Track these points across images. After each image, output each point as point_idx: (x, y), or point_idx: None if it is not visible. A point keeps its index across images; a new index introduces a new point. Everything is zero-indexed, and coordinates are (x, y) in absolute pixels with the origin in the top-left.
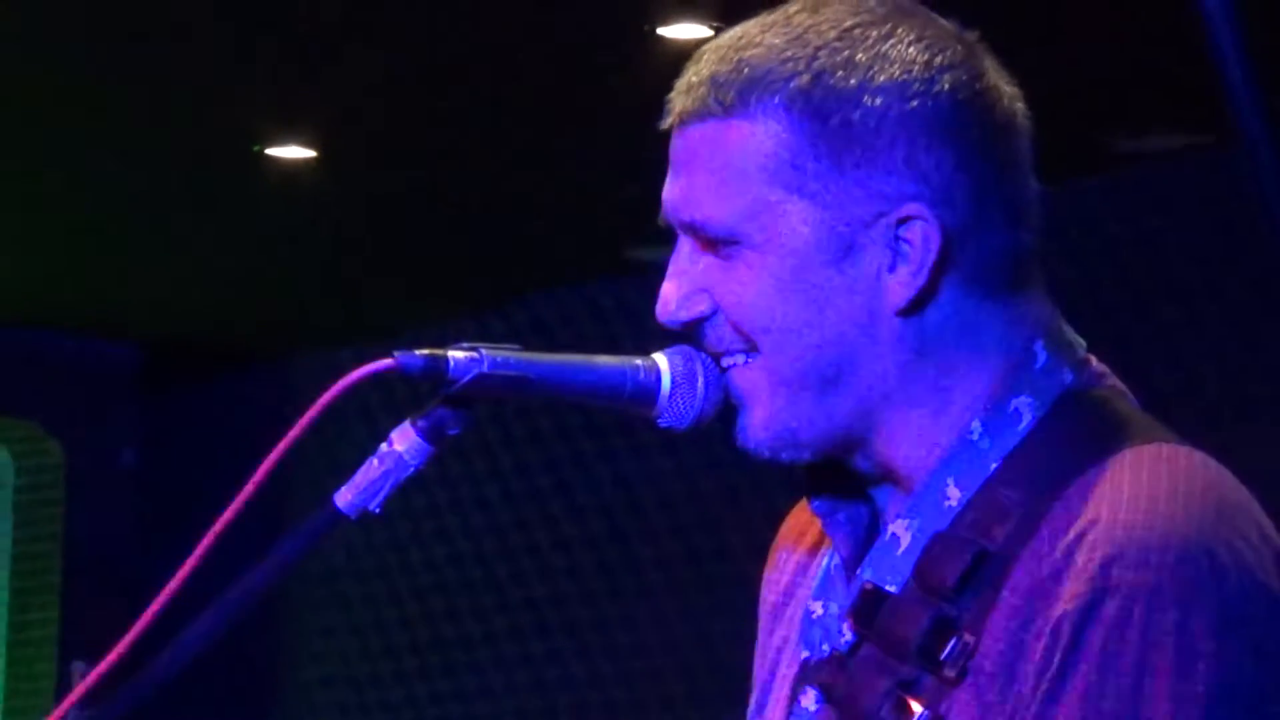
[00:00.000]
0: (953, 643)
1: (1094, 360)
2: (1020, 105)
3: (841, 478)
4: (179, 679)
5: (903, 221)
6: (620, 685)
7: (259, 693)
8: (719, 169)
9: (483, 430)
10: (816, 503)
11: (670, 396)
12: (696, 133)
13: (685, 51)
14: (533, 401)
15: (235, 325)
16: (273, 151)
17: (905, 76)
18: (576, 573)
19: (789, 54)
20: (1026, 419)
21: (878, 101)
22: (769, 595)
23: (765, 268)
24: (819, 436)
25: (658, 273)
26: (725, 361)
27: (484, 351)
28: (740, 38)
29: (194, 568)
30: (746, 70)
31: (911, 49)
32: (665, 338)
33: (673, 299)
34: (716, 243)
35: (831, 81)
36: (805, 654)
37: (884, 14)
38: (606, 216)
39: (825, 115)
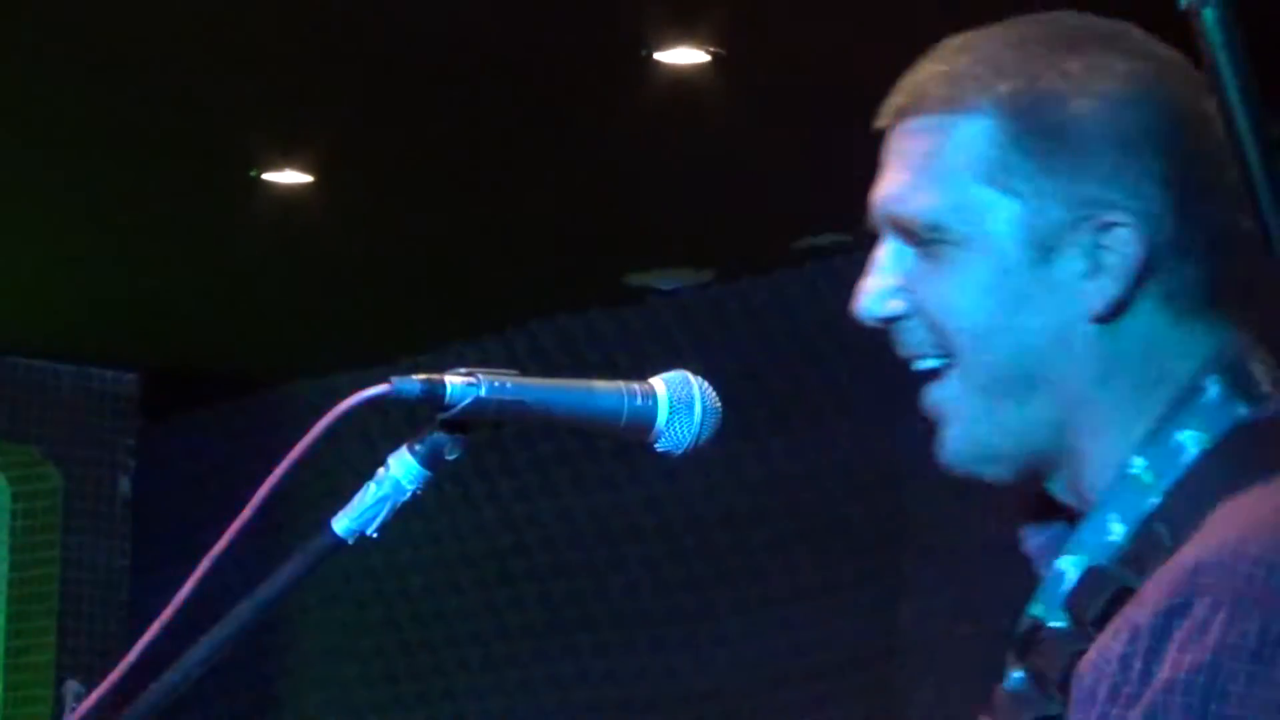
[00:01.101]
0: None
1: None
2: (1212, 107)
3: (1055, 510)
4: (177, 704)
5: (1105, 228)
6: (619, 711)
7: (258, 718)
8: (930, 164)
9: (481, 455)
10: (1032, 537)
11: (668, 422)
12: (910, 129)
13: (683, 77)
14: (530, 426)
15: (234, 352)
16: (270, 177)
17: (1118, 89)
18: (576, 599)
19: (1006, 58)
20: (1191, 452)
21: (1089, 110)
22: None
23: (967, 265)
24: (1017, 451)
25: (657, 299)
26: (917, 365)
27: (481, 376)
28: (961, 42)
29: (191, 592)
30: (963, 70)
31: (1124, 64)
32: (665, 365)
33: (871, 295)
34: (921, 239)
35: (1045, 87)
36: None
37: (1100, 30)
38: (606, 243)
39: (1036, 118)
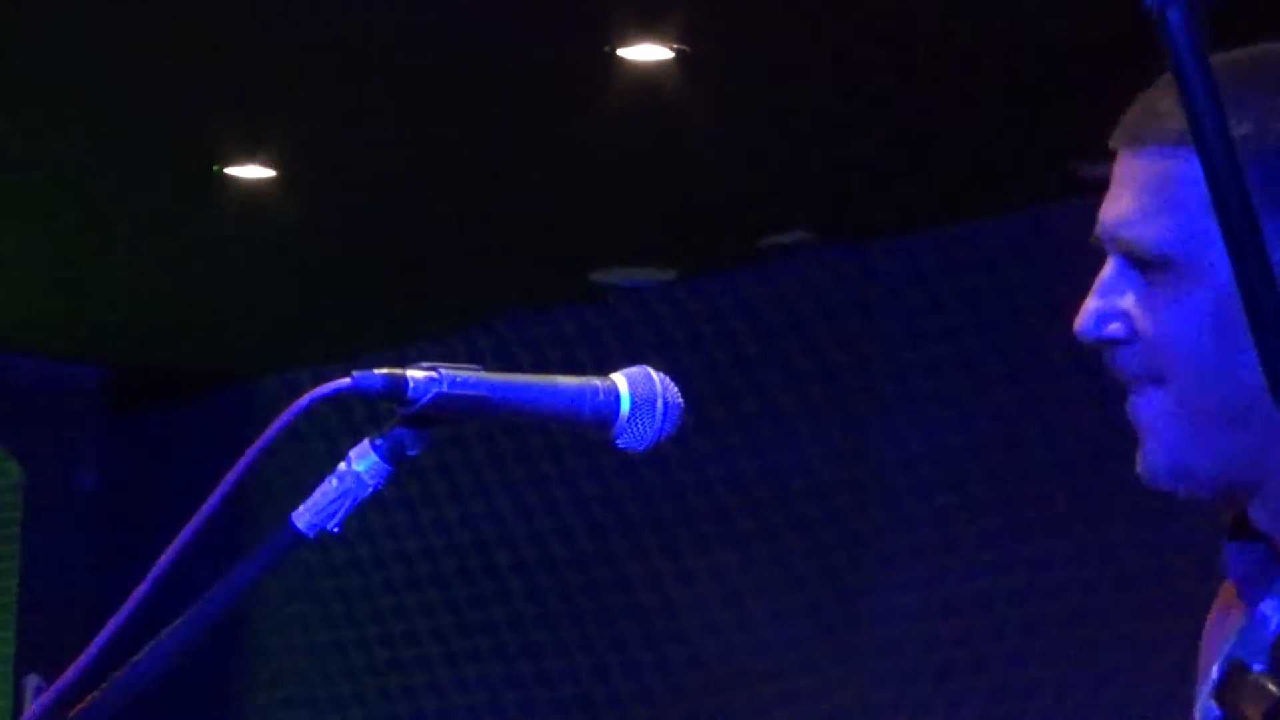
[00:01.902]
0: None
1: None
2: None
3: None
4: (138, 699)
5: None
6: (579, 709)
7: (219, 714)
8: (1163, 194)
9: (442, 451)
10: (1235, 559)
11: (630, 418)
12: (1147, 157)
13: (646, 73)
14: (493, 422)
15: (198, 347)
16: (233, 171)
17: None
18: (536, 596)
19: (1246, 97)
20: None
21: None
22: (1208, 654)
23: (1191, 297)
24: (1217, 474)
25: (621, 297)
26: (1131, 390)
27: (443, 371)
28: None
29: (152, 587)
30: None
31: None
32: (628, 363)
33: (1093, 316)
34: (1147, 267)
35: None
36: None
37: None
38: (570, 241)
39: (1272, 160)
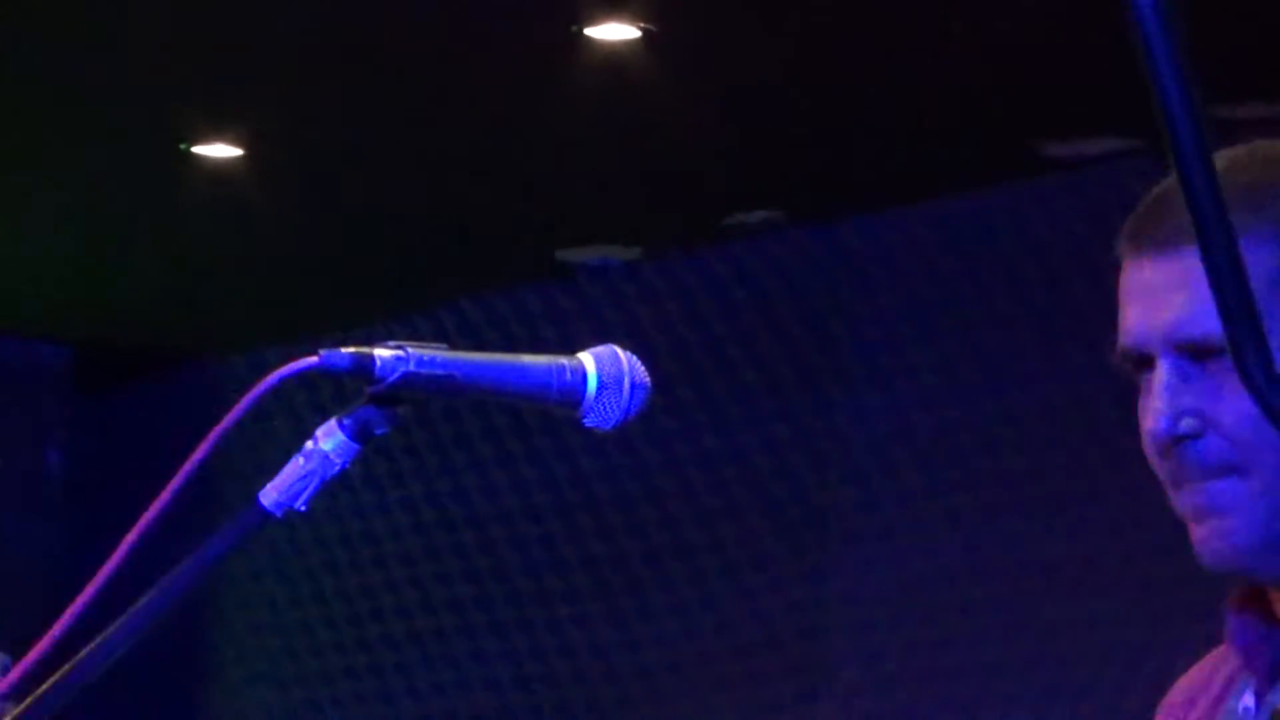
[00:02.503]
0: None
1: None
2: None
3: (1258, 606)
4: (105, 676)
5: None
6: (545, 686)
7: (185, 692)
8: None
9: (409, 430)
10: (1239, 629)
11: (596, 397)
12: (1179, 255)
13: (612, 52)
14: (459, 401)
15: (165, 326)
16: (200, 150)
17: None
18: (501, 574)
19: (1272, 182)
20: None
21: None
22: None
23: None
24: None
25: (586, 276)
26: (1206, 480)
27: (410, 350)
28: (1226, 169)
29: (119, 564)
30: (1244, 195)
31: None
32: (594, 341)
33: (1167, 416)
34: (1209, 357)
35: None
36: None
37: None
38: (536, 219)
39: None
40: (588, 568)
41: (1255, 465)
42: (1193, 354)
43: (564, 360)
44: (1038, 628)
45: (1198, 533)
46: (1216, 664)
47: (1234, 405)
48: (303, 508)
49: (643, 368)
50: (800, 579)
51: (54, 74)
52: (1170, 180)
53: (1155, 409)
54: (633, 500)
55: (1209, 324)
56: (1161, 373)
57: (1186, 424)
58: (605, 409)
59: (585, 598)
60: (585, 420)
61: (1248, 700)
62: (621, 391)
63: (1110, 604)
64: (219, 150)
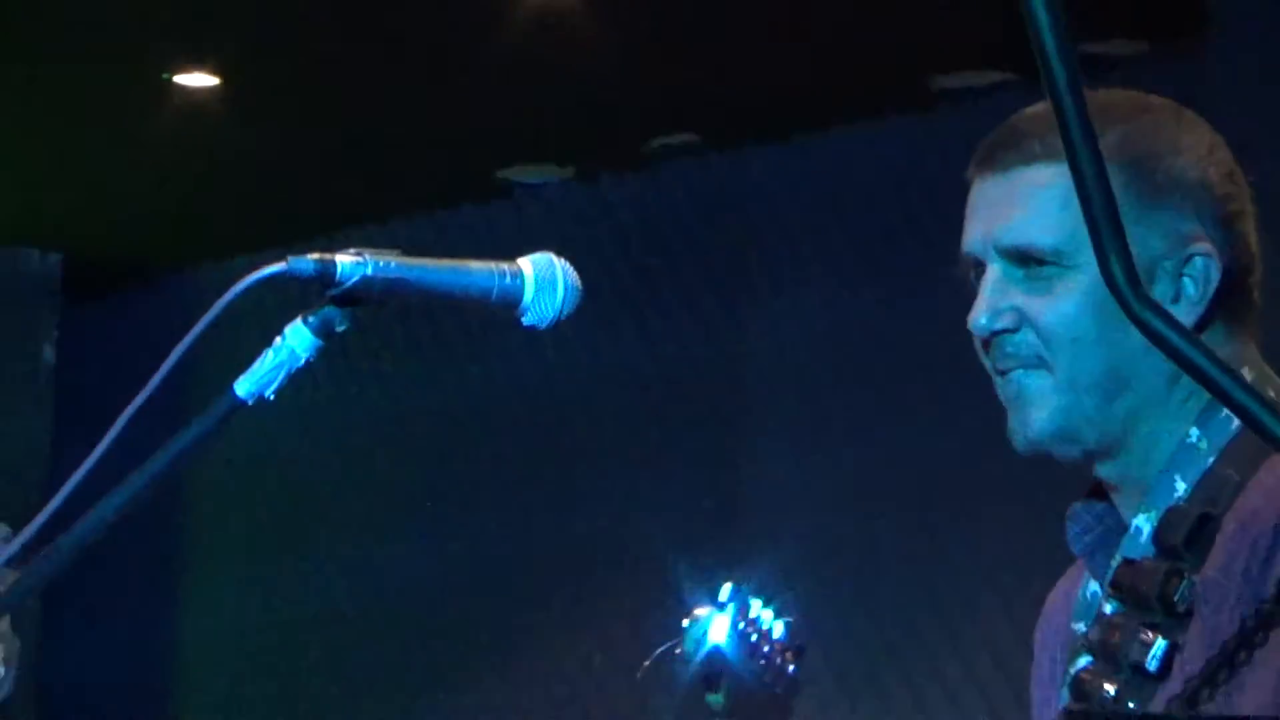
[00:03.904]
0: (1182, 586)
1: None
2: (1246, 188)
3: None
4: (88, 550)
5: (1188, 260)
6: (487, 566)
7: (162, 571)
8: (1048, 202)
9: (366, 332)
10: (1078, 528)
11: (534, 298)
12: (1024, 175)
13: None
14: (411, 302)
15: (147, 238)
16: (180, 79)
17: (1197, 147)
18: (448, 463)
19: (1107, 114)
20: (1236, 423)
21: (1179, 162)
22: (1043, 654)
23: (1077, 287)
24: (1093, 437)
25: (523, 194)
26: (1015, 371)
27: (368, 256)
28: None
29: (106, 449)
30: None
31: (1197, 131)
32: (532, 251)
33: (986, 312)
34: (1031, 264)
35: (1143, 140)
36: (1075, 641)
37: (1171, 105)
38: (479, 142)
39: (1137, 164)
40: (525, 458)
41: (1058, 363)
42: (1018, 260)
43: (505, 265)
44: (951, 525)
45: (1010, 421)
46: (1074, 575)
47: (1049, 307)
48: (271, 396)
49: (574, 273)
50: (717, 470)
51: (46, 8)
52: (1016, 114)
53: (979, 305)
54: (564, 397)
55: (1033, 235)
56: (990, 275)
57: (1005, 319)
58: (541, 308)
59: (524, 484)
60: (524, 319)
61: (1094, 587)
62: (556, 293)
63: (1016, 505)
64: (197, 80)
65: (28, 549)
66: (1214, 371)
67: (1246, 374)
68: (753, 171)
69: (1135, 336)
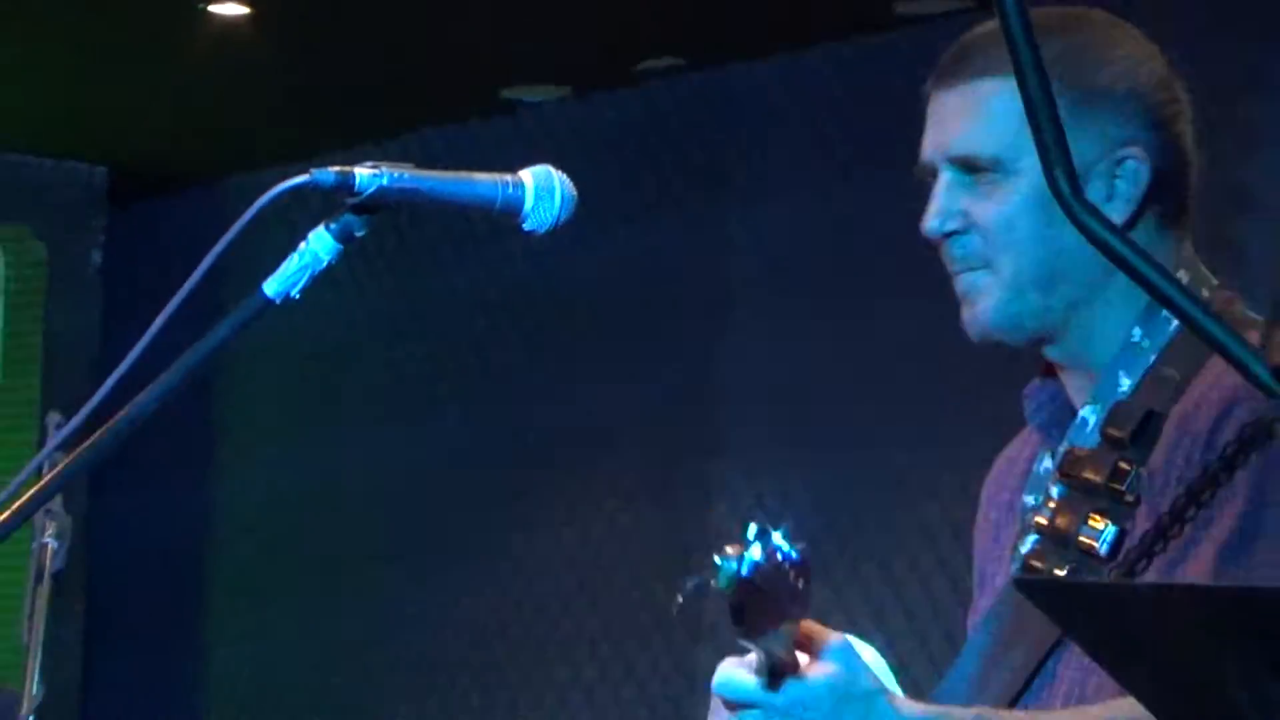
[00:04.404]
0: (1130, 476)
1: (1222, 287)
2: (1183, 96)
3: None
4: (135, 432)
5: (1120, 162)
6: (482, 448)
7: (196, 455)
8: (992, 113)
9: (382, 235)
10: (1035, 403)
11: (534, 205)
12: (969, 87)
13: None
14: (422, 209)
15: (185, 152)
16: (213, 9)
17: (1130, 58)
18: (456, 353)
19: (1045, 28)
20: (1176, 322)
21: (1111, 70)
22: (992, 510)
23: (1016, 191)
24: (1034, 326)
25: (525, 111)
26: (965, 270)
27: (384, 168)
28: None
29: (148, 343)
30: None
31: (1130, 42)
32: (532, 163)
33: (936, 217)
34: (977, 171)
35: (1077, 50)
36: (1025, 515)
37: (1106, 17)
38: (485, 62)
39: (1071, 74)
40: (526, 347)
41: (1000, 261)
42: (966, 168)
43: (507, 177)
44: (916, 409)
45: (963, 314)
46: (1026, 439)
47: (993, 210)
48: (296, 295)
49: (570, 183)
50: (699, 358)
51: None
52: (968, 33)
53: (930, 210)
54: (562, 294)
55: (980, 144)
56: (940, 181)
57: (952, 222)
58: (540, 215)
59: (525, 369)
60: (525, 225)
61: (1047, 463)
62: (553, 201)
63: (972, 397)
64: (229, 9)
65: (78, 434)
66: (1148, 271)
67: (1182, 275)
68: (732, 89)
69: (1071, 234)
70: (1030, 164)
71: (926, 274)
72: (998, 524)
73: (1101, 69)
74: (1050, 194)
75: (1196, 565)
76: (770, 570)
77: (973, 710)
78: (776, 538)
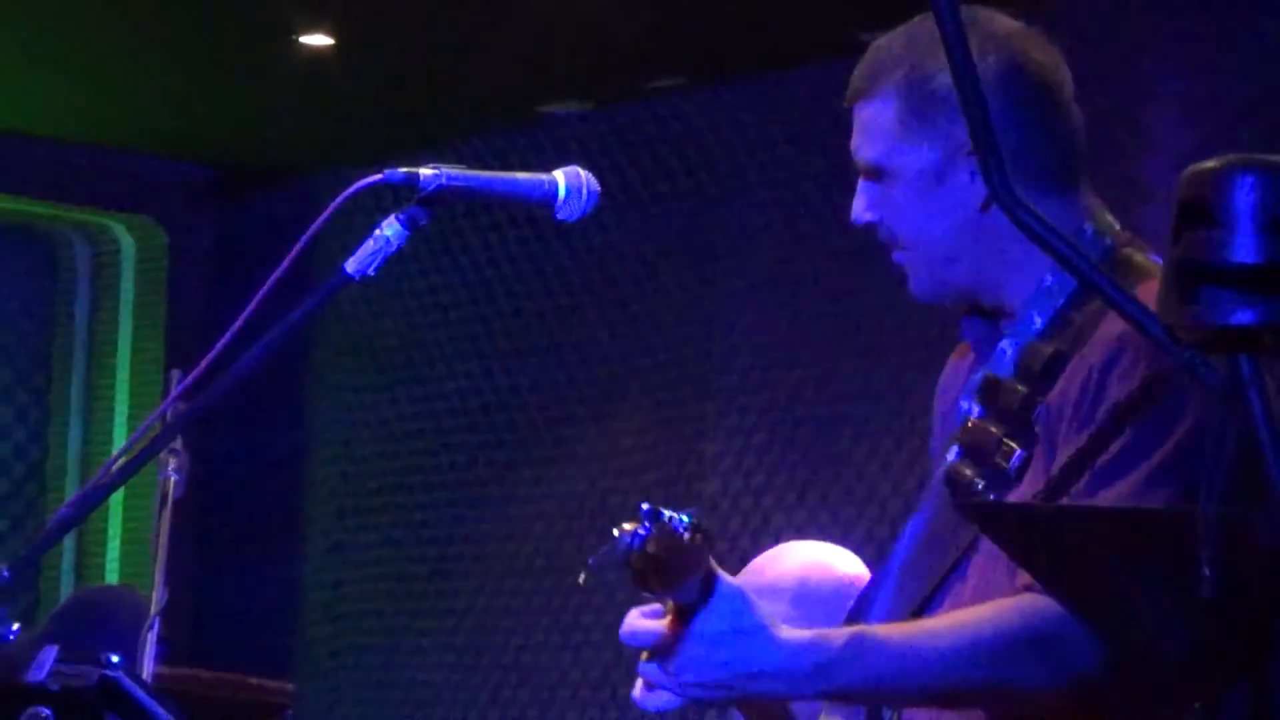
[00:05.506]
0: (1038, 409)
1: (1124, 231)
2: (1054, 65)
3: (981, 312)
4: (237, 387)
5: (972, 153)
6: (518, 394)
7: (290, 402)
8: (871, 130)
9: (443, 223)
10: (968, 328)
11: (565, 201)
12: (860, 107)
13: None
14: (475, 203)
15: (281, 153)
16: (303, 39)
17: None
18: (498, 312)
19: (899, 54)
20: None
21: (949, 77)
22: (940, 407)
23: (900, 191)
24: (951, 293)
25: (555, 122)
26: (893, 252)
27: (443, 169)
28: (881, 43)
29: (251, 312)
30: (877, 67)
31: (981, 44)
32: (563, 165)
33: (857, 211)
34: (873, 176)
35: (924, 70)
36: (959, 420)
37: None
38: (522, 81)
39: (920, 92)
40: (556, 314)
41: (907, 244)
42: (869, 173)
43: (543, 176)
44: (873, 363)
45: (907, 285)
46: (965, 354)
47: (889, 207)
48: (372, 273)
49: (596, 181)
50: (695, 319)
51: None
52: (865, 54)
53: (854, 207)
54: (585, 269)
55: (866, 154)
56: (859, 184)
57: (867, 215)
58: (570, 208)
59: (552, 332)
60: (557, 215)
61: (965, 405)
62: (581, 196)
63: (926, 341)
64: (317, 39)
65: (194, 386)
66: (1068, 251)
67: (1088, 227)
68: (725, 103)
69: (955, 215)
70: (902, 166)
71: (875, 244)
72: (943, 423)
73: (938, 75)
74: (925, 188)
75: (1107, 493)
76: (662, 538)
77: (848, 631)
78: (667, 513)
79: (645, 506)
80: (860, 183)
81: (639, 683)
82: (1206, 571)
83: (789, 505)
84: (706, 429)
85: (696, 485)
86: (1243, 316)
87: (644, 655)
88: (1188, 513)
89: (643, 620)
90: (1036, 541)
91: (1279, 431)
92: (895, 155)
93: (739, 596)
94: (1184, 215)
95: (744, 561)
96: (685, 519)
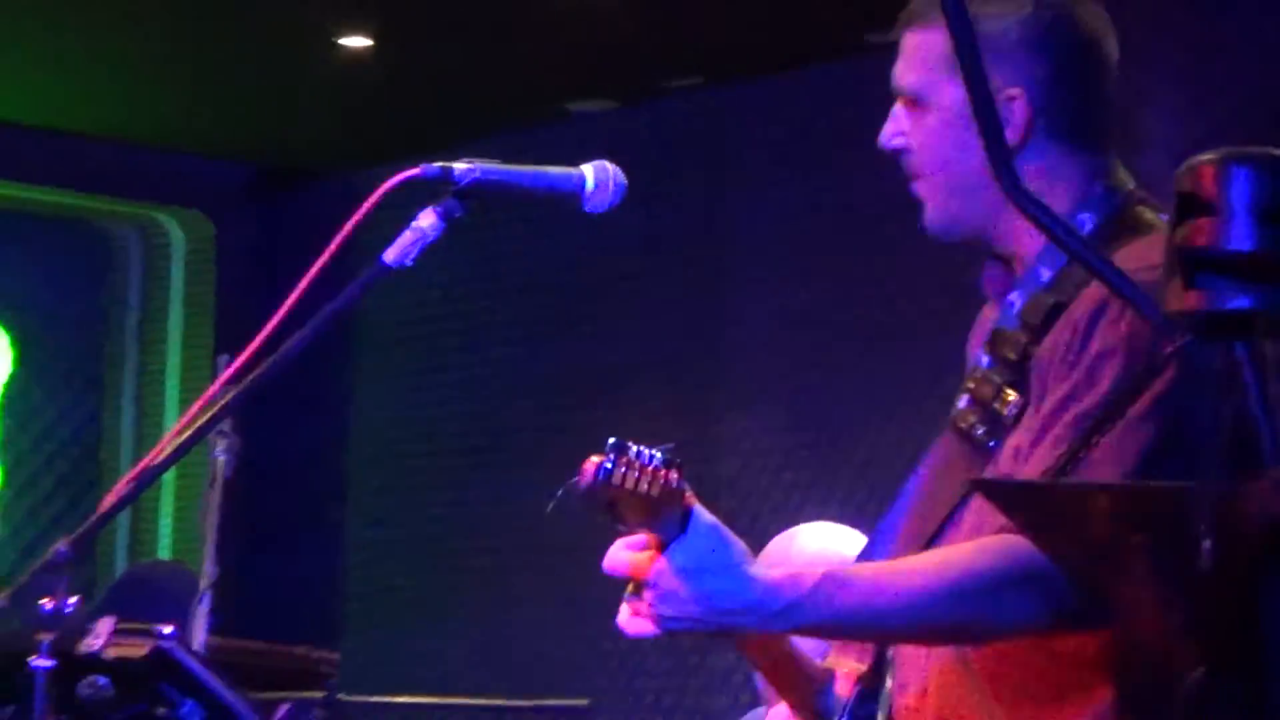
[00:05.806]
0: (1034, 360)
1: (1137, 189)
2: (1104, 30)
3: (1000, 261)
4: (282, 371)
5: (1009, 100)
6: (536, 382)
7: (335, 389)
8: (915, 59)
9: (475, 215)
10: (988, 279)
11: (593, 193)
12: (913, 34)
13: None
14: (508, 195)
15: (321, 150)
16: (342, 41)
17: (1019, 10)
18: (526, 295)
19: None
20: (1089, 226)
21: (1002, 25)
22: (969, 359)
23: (934, 120)
24: (964, 230)
25: (580, 119)
26: (913, 180)
27: (477, 163)
28: None
29: (296, 300)
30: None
31: None
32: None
33: (885, 135)
34: (909, 103)
35: (979, 7)
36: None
37: None
38: (551, 80)
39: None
40: (577, 288)
41: (930, 174)
42: (906, 100)
43: (571, 169)
44: (882, 342)
45: (922, 218)
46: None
47: (920, 134)
48: (410, 263)
49: (622, 174)
50: (712, 304)
51: None
52: None
53: (884, 129)
54: (610, 256)
55: (906, 81)
56: (894, 108)
57: (896, 141)
58: (598, 199)
59: (573, 316)
60: (585, 206)
61: (979, 355)
62: (609, 189)
63: (939, 324)
64: (356, 41)
65: (242, 371)
66: (1059, 231)
67: (1098, 186)
68: (741, 102)
69: (981, 155)
70: (940, 99)
71: (879, 234)
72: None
73: (993, 17)
74: (957, 123)
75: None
76: (628, 472)
77: (821, 569)
78: (634, 447)
79: (611, 440)
80: (895, 108)
81: (624, 608)
82: (1205, 545)
83: (804, 484)
84: (723, 412)
85: (715, 466)
86: (1239, 302)
87: (629, 587)
88: (1186, 489)
89: (624, 551)
90: (1037, 515)
91: (1273, 411)
92: (935, 86)
93: (714, 533)
94: (1182, 206)
95: (763, 541)
96: (658, 454)
